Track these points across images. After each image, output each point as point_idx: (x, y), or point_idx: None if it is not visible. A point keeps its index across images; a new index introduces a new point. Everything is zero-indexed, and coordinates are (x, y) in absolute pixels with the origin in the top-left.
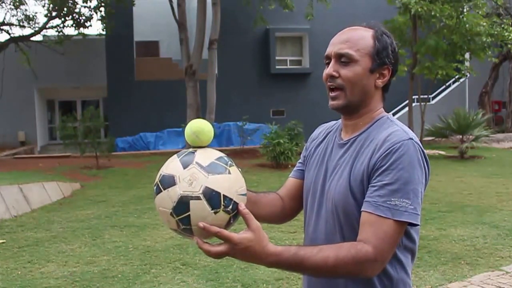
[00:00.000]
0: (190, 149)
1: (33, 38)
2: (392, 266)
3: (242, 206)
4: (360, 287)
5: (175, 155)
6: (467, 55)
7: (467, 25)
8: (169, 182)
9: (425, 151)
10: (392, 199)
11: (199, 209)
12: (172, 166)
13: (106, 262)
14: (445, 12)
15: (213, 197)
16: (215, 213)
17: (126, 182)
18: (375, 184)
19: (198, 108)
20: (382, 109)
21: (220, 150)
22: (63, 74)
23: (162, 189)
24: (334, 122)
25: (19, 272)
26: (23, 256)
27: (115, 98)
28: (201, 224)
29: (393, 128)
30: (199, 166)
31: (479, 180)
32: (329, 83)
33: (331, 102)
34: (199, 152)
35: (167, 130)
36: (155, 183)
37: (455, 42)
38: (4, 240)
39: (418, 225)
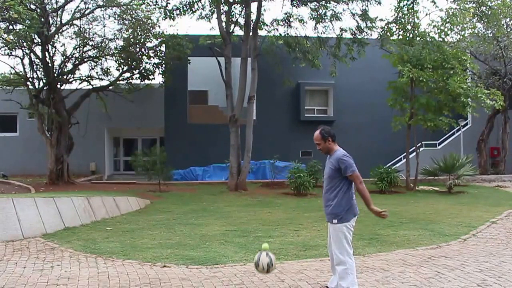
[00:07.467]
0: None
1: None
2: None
3: None
4: None
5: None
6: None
7: (450, 88)
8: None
9: (349, 155)
10: (350, 169)
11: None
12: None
13: (178, 239)
14: (432, 77)
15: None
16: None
17: (184, 200)
18: (342, 169)
19: (239, 148)
20: (337, 146)
21: (255, 183)
22: (128, 117)
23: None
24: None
25: (128, 242)
26: (126, 235)
27: (170, 137)
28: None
29: (341, 152)
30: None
31: (446, 206)
32: (317, 148)
33: (321, 152)
34: (264, 253)
35: (213, 165)
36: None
37: (442, 100)
38: (111, 228)
39: (355, 171)
